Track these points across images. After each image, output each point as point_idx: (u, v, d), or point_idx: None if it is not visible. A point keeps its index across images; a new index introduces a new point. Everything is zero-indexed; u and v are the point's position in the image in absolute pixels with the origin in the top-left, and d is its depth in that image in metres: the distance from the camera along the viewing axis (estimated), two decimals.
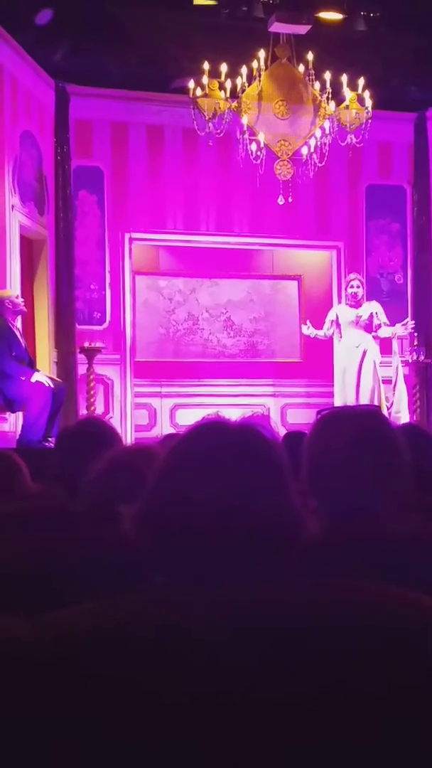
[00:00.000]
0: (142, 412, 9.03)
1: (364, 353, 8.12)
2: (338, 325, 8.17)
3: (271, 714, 0.98)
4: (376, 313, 8.20)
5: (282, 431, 8.09)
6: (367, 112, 7.44)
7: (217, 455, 1.11)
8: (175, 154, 8.64)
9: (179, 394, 9.18)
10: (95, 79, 8.15)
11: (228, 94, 7.28)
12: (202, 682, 0.99)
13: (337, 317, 8.18)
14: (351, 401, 7.98)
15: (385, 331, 8.25)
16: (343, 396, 8.13)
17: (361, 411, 1.77)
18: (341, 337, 8.18)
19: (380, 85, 7.74)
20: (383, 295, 9.09)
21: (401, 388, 8.35)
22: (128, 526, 1.13)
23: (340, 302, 8.76)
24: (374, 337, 8.20)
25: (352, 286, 8.20)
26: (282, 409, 9.02)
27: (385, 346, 8.75)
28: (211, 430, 1.15)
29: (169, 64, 7.79)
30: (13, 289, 7.16)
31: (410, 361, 8.90)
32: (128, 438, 8.35)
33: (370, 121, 7.45)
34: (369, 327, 8.16)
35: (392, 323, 8.99)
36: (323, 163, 7.56)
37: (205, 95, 7.25)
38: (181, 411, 9.09)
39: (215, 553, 1.08)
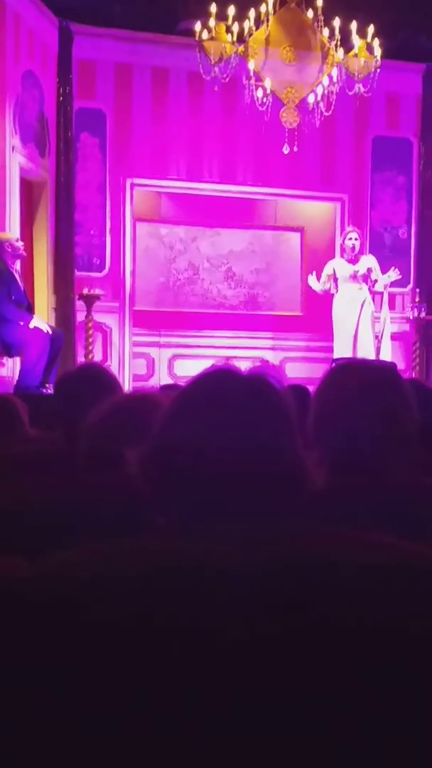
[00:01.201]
0: (140, 361, 9.00)
1: (362, 307, 8.09)
2: (335, 280, 8.13)
3: (269, 661, 0.98)
4: (372, 268, 8.16)
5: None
6: (376, 61, 7.30)
7: (227, 401, 1.11)
8: (180, 98, 8.49)
9: (178, 345, 9.14)
10: (100, 19, 7.98)
11: (235, 38, 7.14)
12: (202, 624, 0.98)
13: (335, 271, 8.13)
14: (348, 355, 7.97)
15: (380, 285, 8.23)
16: (341, 350, 8.12)
17: (376, 365, 1.76)
18: (337, 290, 8.12)
19: (390, 33, 7.59)
20: (386, 250, 9.02)
21: (386, 343, 8.34)
22: (133, 469, 1.12)
23: (343, 254, 8.69)
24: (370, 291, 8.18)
25: (350, 239, 8.13)
26: (281, 362, 8.99)
27: (392, 301, 8.75)
28: (221, 376, 1.15)
29: (176, 5, 7.63)
30: (13, 232, 7.07)
31: (411, 318, 8.87)
32: (126, 387, 8.33)
33: (378, 70, 7.31)
34: (366, 281, 8.12)
35: (395, 280, 8.95)
36: (330, 113, 7.45)
37: (212, 38, 7.10)
38: (179, 361, 9.06)
39: (220, 497, 1.08)
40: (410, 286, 9.04)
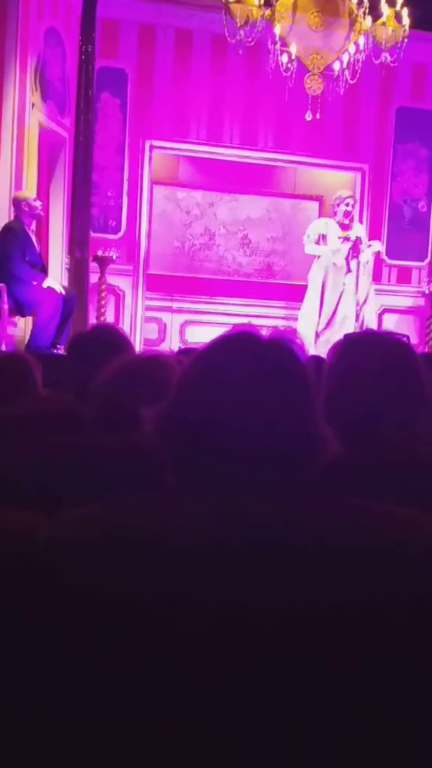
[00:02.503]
0: (152, 325, 8.98)
1: (347, 274, 7.98)
2: (324, 241, 7.97)
3: (276, 627, 0.97)
4: (362, 238, 8.06)
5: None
6: (404, 31, 7.18)
7: (244, 366, 1.10)
8: (203, 60, 8.38)
9: (190, 311, 9.10)
10: None
11: (262, 2, 7.03)
12: (208, 592, 0.98)
13: (325, 233, 7.95)
14: (324, 320, 7.86)
15: (365, 256, 8.11)
16: (311, 316, 7.95)
17: (389, 337, 1.74)
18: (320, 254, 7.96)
19: (419, 3, 7.45)
20: (405, 222, 8.94)
21: (370, 316, 8.23)
22: (148, 429, 1.10)
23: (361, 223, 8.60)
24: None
25: (348, 204, 7.96)
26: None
27: (407, 275, 8.70)
28: (240, 340, 1.13)
29: None
30: (30, 191, 7.03)
31: (426, 292, 8.81)
32: (137, 351, 8.32)
33: (406, 40, 7.19)
34: (354, 249, 7.98)
35: (412, 252, 8.87)
36: (355, 81, 7.34)
37: (238, 1, 6.99)
38: (191, 327, 9.03)
39: (235, 464, 1.07)
40: (427, 260, 8.97)
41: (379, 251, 8.26)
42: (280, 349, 1.12)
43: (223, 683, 0.97)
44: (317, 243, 7.97)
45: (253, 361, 1.09)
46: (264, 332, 1.17)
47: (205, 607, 0.97)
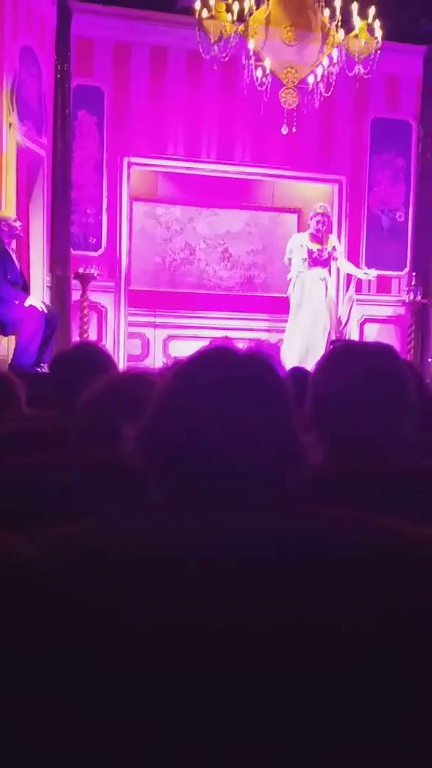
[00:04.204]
0: (136, 341, 8.98)
1: (326, 287, 8.07)
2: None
3: (260, 642, 0.97)
4: (336, 247, 8.16)
5: None
6: (377, 43, 7.24)
7: (222, 381, 1.10)
8: (179, 77, 8.43)
9: (173, 325, 9.12)
10: None
11: (235, 17, 7.07)
12: (193, 608, 0.98)
13: (299, 248, 8.04)
14: (314, 335, 7.93)
15: (344, 264, 8.18)
16: (302, 330, 8.00)
17: (375, 346, 1.75)
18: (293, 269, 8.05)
19: (391, 15, 7.53)
20: (384, 232, 9.00)
21: (353, 325, 8.32)
22: (129, 447, 1.11)
23: (339, 237, 8.66)
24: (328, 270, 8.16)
25: (319, 222, 8.04)
26: (276, 344, 8.97)
27: (387, 284, 8.77)
28: (218, 355, 1.14)
29: None
30: (9, 210, 7.03)
31: (407, 301, 8.86)
32: (121, 367, 8.31)
33: (379, 52, 7.25)
34: (328, 261, 8.08)
35: (391, 262, 8.94)
36: (329, 94, 7.40)
37: (212, 17, 7.03)
38: (174, 342, 9.04)
39: (216, 478, 1.07)
40: (406, 269, 9.03)
41: (370, 279, 8.35)
42: (258, 362, 1.13)
43: (215, 699, 0.97)
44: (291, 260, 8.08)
45: (232, 376, 1.10)
46: (241, 346, 1.18)
47: (192, 624, 0.97)
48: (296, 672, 0.98)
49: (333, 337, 8.06)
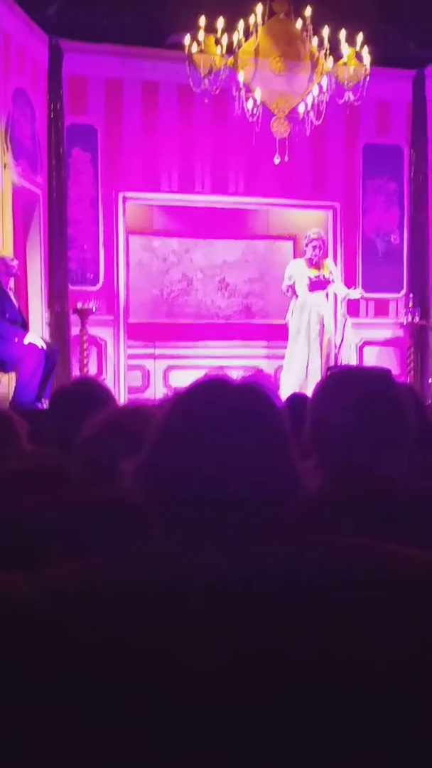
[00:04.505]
0: (136, 373, 9.00)
1: (325, 312, 8.09)
2: (292, 286, 8.09)
3: (267, 673, 0.96)
4: (333, 272, 8.20)
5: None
6: (365, 69, 7.33)
7: (219, 414, 1.11)
8: (171, 111, 8.51)
9: (173, 356, 9.15)
10: (89, 35, 7.99)
11: (224, 50, 7.16)
12: (200, 641, 0.97)
13: (299, 275, 8.06)
14: (313, 360, 7.94)
15: (340, 288, 8.20)
16: (301, 355, 8.03)
17: (371, 372, 1.76)
18: (297, 295, 8.08)
19: (379, 41, 7.62)
20: (379, 256, 9.04)
21: (348, 349, 8.30)
22: (128, 483, 1.12)
23: (336, 262, 8.70)
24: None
25: (315, 247, 8.07)
26: (276, 371, 8.99)
27: (385, 307, 8.81)
28: (213, 388, 1.15)
29: (165, 19, 7.64)
30: (7, 249, 7.08)
31: (405, 323, 8.88)
32: (121, 400, 8.33)
33: (368, 78, 7.33)
34: (326, 285, 8.09)
35: (388, 285, 8.99)
36: (320, 122, 7.47)
37: (201, 51, 7.12)
38: (174, 372, 9.06)
39: (215, 510, 1.07)
40: (403, 291, 9.06)
41: (357, 299, 8.37)
42: (253, 392, 1.13)
43: (222, 729, 0.96)
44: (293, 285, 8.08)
45: (226, 407, 1.10)
46: (237, 376, 1.19)
47: (199, 659, 0.97)
48: (311, 701, 0.97)
49: (333, 362, 8.08)
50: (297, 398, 3.54)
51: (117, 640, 0.96)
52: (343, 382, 1.74)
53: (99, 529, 1.46)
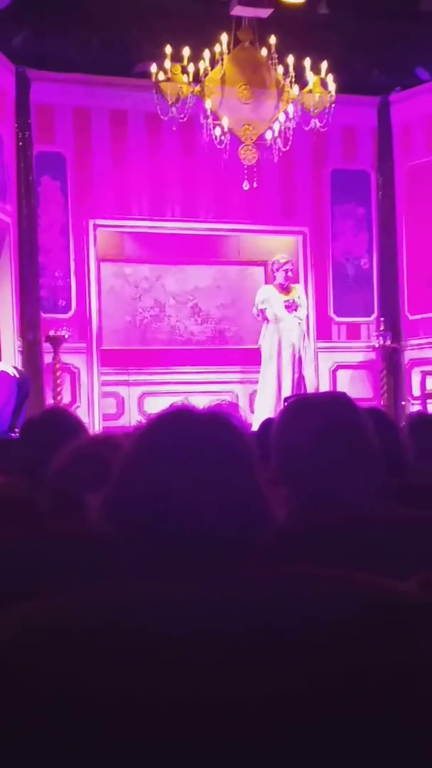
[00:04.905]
0: (110, 400, 8.97)
1: (302, 337, 8.12)
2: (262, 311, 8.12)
3: (236, 715, 0.95)
4: (300, 296, 8.23)
5: (250, 418, 8.11)
6: (331, 96, 7.42)
7: (183, 445, 1.10)
8: (139, 139, 8.56)
9: (147, 382, 9.13)
10: (56, 64, 8.03)
11: (191, 79, 7.22)
12: (166, 678, 0.96)
13: (270, 300, 8.08)
14: (285, 384, 7.96)
15: (303, 313, 8.25)
16: (273, 379, 8.04)
17: (328, 397, 1.76)
18: (268, 320, 8.09)
19: (343, 69, 7.72)
20: (349, 280, 9.11)
21: (308, 371, 8.33)
22: (94, 516, 1.11)
23: (306, 287, 8.75)
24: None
25: (287, 270, 8.11)
26: (250, 395, 9.00)
27: (356, 331, 8.87)
28: (178, 418, 1.14)
29: (131, 48, 7.71)
30: None
31: (377, 346, 8.94)
32: (96, 427, 8.29)
33: (333, 105, 7.43)
34: (296, 309, 8.11)
35: (359, 309, 9.08)
36: (287, 148, 7.54)
37: (168, 79, 7.18)
38: (149, 399, 9.04)
39: (181, 543, 1.06)
40: (374, 315, 9.12)
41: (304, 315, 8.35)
42: (217, 422, 1.12)
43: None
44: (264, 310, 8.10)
45: (191, 437, 1.09)
46: (202, 406, 1.18)
47: (162, 695, 0.95)
48: (289, 742, 0.96)
49: (308, 384, 8.11)
50: (270, 424, 3.53)
51: (79, 680, 0.94)
52: (301, 410, 1.73)
53: (67, 562, 1.45)
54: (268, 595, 1.04)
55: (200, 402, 1.23)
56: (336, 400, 1.72)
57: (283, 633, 0.99)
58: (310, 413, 1.67)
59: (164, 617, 1.00)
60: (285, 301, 8.06)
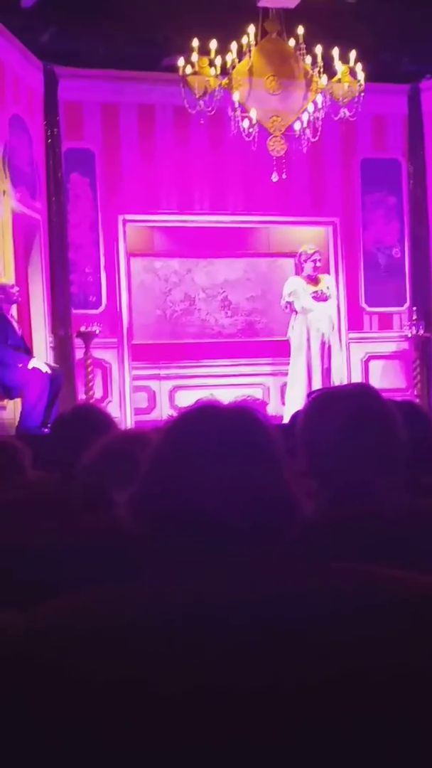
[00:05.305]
0: (142, 395, 9.00)
1: (326, 326, 8.08)
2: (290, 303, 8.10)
3: (268, 708, 0.95)
4: (330, 286, 8.20)
5: (280, 410, 8.09)
6: (360, 85, 7.35)
7: (209, 440, 1.10)
8: (167, 133, 8.56)
9: (178, 376, 9.15)
10: (84, 60, 8.06)
11: (218, 71, 7.20)
12: (197, 674, 0.96)
13: (298, 291, 8.07)
14: (316, 375, 7.93)
15: (332, 303, 8.20)
16: (303, 371, 8.02)
17: (352, 389, 1.74)
18: (297, 312, 8.08)
19: (372, 57, 7.65)
20: (381, 270, 9.05)
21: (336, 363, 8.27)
22: (122, 513, 1.11)
23: (337, 277, 8.71)
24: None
25: (315, 261, 8.08)
26: (281, 387, 8.98)
27: (389, 320, 8.81)
28: (203, 414, 1.14)
29: (158, 42, 7.70)
30: (8, 276, 7.11)
31: (409, 335, 8.87)
32: (128, 421, 8.33)
33: (362, 94, 7.36)
34: (325, 300, 8.08)
35: (391, 298, 9.02)
36: (317, 138, 7.49)
37: (195, 73, 7.16)
38: (180, 392, 9.06)
39: (209, 538, 1.06)
40: (407, 304, 9.06)
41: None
42: (243, 417, 1.12)
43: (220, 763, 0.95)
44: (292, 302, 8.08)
45: (217, 433, 1.09)
46: (227, 401, 1.18)
47: (193, 688, 0.96)
48: (310, 731, 0.96)
49: (334, 375, 8.08)
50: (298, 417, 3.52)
51: (110, 674, 0.95)
52: (327, 403, 1.72)
53: (97, 558, 1.46)
54: (301, 590, 1.04)
55: (231, 395, 1.23)
56: (360, 392, 1.70)
57: (313, 628, 0.99)
58: (335, 406, 1.66)
59: (194, 612, 1.00)
60: (313, 293, 8.03)
